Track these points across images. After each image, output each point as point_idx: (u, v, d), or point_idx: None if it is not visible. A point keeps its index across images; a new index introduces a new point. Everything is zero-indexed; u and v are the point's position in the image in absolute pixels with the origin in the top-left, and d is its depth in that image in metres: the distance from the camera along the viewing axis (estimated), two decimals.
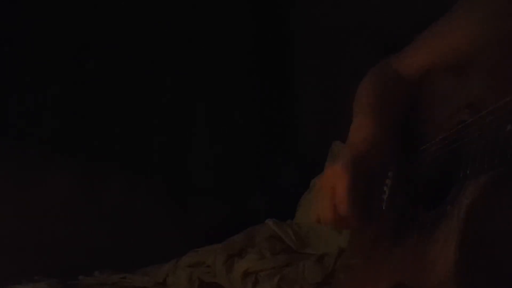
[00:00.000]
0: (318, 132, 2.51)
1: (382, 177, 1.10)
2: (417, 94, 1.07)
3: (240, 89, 2.56)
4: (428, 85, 1.05)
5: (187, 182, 2.48)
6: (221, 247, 2.19)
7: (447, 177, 0.94)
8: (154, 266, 2.25)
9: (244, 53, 2.58)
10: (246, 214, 2.41)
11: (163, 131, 2.46)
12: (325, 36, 2.42)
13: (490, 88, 0.89)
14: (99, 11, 2.33)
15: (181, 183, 2.47)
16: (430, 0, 1.82)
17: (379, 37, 2.14)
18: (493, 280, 0.82)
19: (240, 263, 2.09)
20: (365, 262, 1.13)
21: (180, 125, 2.49)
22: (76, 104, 2.34)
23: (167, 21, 2.44)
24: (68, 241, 2.25)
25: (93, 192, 2.35)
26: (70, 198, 2.30)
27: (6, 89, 2.25)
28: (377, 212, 1.07)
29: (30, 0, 2.27)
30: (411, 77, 1.08)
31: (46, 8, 2.27)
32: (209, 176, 2.50)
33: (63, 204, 2.28)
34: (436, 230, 0.90)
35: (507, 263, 0.82)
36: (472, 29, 0.97)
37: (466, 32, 0.98)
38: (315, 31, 2.48)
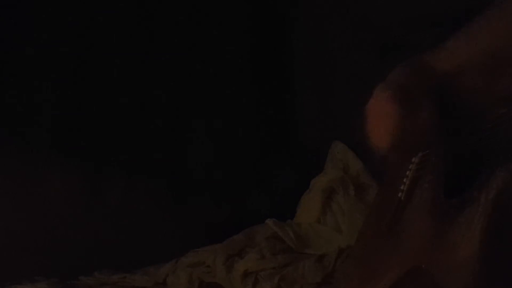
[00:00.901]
0: (318, 132, 2.51)
1: (406, 164, 1.12)
2: (449, 87, 1.08)
3: (240, 88, 2.56)
4: (461, 80, 1.06)
5: (187, 181, 2.48)
6: (221, 247, 2.19)
7: (471, 166, 0.95)
8: (154, 266, 2.26)
9: (244, 53, 2.58)
10: (246, 214, 2.41)
11: (163, 131, 2.46)
12: (325, 36, 2.42)
13: None
14: (99, 11, 2.33)
15: (181, 182, 2.46)
16: (431, 3, 1.82)
17: (379, 38, 2.14)
18: None
19: (240, 263, 2.09)
20: (376, 249, 1.15)
21: (180, 125, 2.49)
22: (77, 104, 2.34)
23: (167, 21, 2.44)
24: (68, 241, 2.25)
25: (93, 192, 2.35)
26: (70, 198, 2.30)
27: (6, 89, 2.25)
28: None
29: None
30: (446, 72, 1.09)
31: (47, 7, 2.27)
32: (209, 176, 2.50)
33: (63, 204, 2.28)
34: (460, 215, 0.92)
35: None
36: (508, 30, 0.98)
37: (503, 31, 0.99)
38: (315, 31, 2.48)
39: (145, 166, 2.44)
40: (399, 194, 1.12)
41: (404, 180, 1.12)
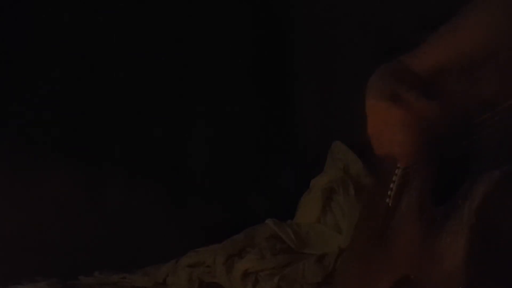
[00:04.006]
0: (318, 132, 2.51)
1: (391, 172, 1.11)
2: (428, 90, 1.07)
3: (240, 89, 2.56)
4: (440, 83, 1.05)
5: (187, 182, 2.48)
6: (221, 247, 2.19)
7: (457, 172, 0.94)
8: (154, 266, 2.25)
9: (243, 53, 2.58)
10: (246, 214, 2.41)
11: (162, 131, 2.46)
12: (325, 36, 2.42)
13: (504, 86, 0.89)
14: (99, 11, 2.33)
15: (180, 183, 2.47)
16: (431, 3, 1.82)
17: (380, 38, 2.14)
18: (503, 275, 0.83)
19: (240, 263, 2.09)
20: (369, 257, 1.14)
21: (180, 125, 2.49)
22: (77, 104, 2.34)
23: (167, 22, 2.44)
24: (68, 241, 2.25)
25: (93, 192, 2.35)
26: (70, 198, 2.30)
27: (6, 89, 2.25)
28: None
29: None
30: (423, 74, 1.08)
31: (47, 7, 2.27)
32: (209, 176, 2.50)
33: (63, 204, 2.28)
34: (445, 224, 0.91)
35: None
36: (485, 28, 0.98)
37: (479, 31, 0.99)
38: (315, 31, 2.48)
39: (145, 166, 2.44)
40: (387, 200, 1.11)
41: (391, 186, 1.11)
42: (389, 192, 1.11)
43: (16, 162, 2.26)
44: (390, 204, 1.10)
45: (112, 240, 2.28)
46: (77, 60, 2.32)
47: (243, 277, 2.06)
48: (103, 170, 2.37)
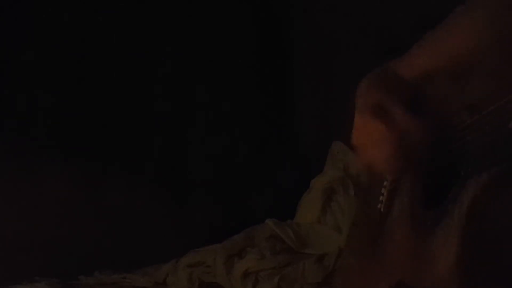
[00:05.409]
0: (318, 132, 2.51)
1: (382, 177, 1.11)
2: (416, 95, 1.08)
3: (240, 89, 2.56)
4: (428, 88, 1.05)
5: (187, 181, 2.48)
6: (221, 247, 2.19)
7: (447, 177, 0.94)
8: (154, 266, 2.26)
9: (244, 53, 2.58)
10: (246, 214, 2.41)
11: (163, 131, 2.46)
12: (325, 36, 2.42)
13: (491, 90, 0.90)
14: (99, 9, 2.33)
15: (181, 182, 2.47)
16: (431, 3, 1.82)
17: (380, 38, 2.14)
18: (495, 277, 0.83)
19: (240, 263, 2.09)
20: (364, 262, 1.14)
21: (180, 125, 2.49)
22: (77, 104, 2.34)
23: (167, 22, 2.44)
24: (68, 241, 2.25)
25: (93, 192, 2.35)
26: (70, 198, 2.30)
27: (5, 89, 2.25)
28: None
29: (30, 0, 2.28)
30: (411, 80, 1.08)
31: (47, 7, 2.27)
32: (209, 175, 2.50)
33: (63, 204, 2.28)
34: (436, 228, 0.91)
35: (508, 260, 0.82)
36: (473, 33, 0.98)
37: (467, 37, 0.99)
38: (315, 31, 2.48)
39: (146, 166, 2.44)
40: (379, 206, 1.12)
41: (382, 191, 1.11)
42: (380, 198, 1.12)
43: (16, 162, 2.26)
44: (382, 210, 1.11)
45: (112, 240, 2.28)
46: (77, 60, 2.32)
47: (243, 277, 2.06)
48: (103, 170, 2.37)
